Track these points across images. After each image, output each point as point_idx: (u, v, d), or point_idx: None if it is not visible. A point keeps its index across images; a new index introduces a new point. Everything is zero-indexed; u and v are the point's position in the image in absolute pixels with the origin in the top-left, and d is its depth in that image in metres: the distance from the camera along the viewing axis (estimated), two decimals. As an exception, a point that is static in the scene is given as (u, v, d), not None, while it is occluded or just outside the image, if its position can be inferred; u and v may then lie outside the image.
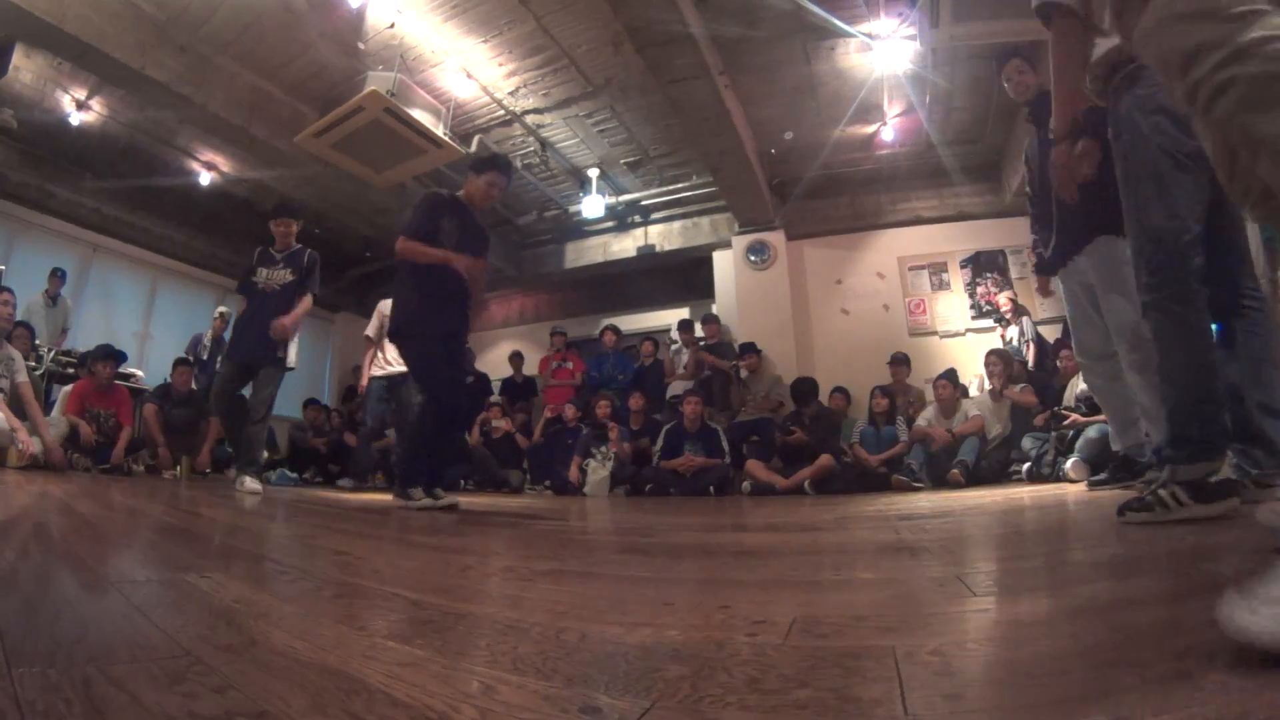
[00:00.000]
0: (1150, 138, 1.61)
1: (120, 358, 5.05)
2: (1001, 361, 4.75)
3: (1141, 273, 1.69)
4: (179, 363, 5.36)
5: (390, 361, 4.82)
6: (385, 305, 4.96)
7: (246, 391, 3.91)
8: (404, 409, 4.84)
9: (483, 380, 7.24)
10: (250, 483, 3.57)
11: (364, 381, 4.97)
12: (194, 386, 5.32)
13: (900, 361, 5.62)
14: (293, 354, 4.09)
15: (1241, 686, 0.46)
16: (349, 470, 5.36)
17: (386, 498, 3.92)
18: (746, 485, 4.90)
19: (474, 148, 5.62)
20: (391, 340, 3.33)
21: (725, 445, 5.07)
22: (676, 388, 6.20)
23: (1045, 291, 3.44)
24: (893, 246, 6.52)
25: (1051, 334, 5.30)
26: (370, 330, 4.94)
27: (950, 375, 4.95)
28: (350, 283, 8.37)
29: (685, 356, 6.38)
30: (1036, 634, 0.65)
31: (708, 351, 6.17)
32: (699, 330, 6.53)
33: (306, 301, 3.95)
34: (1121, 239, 2.14)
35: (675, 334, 6.64)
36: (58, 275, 5.70)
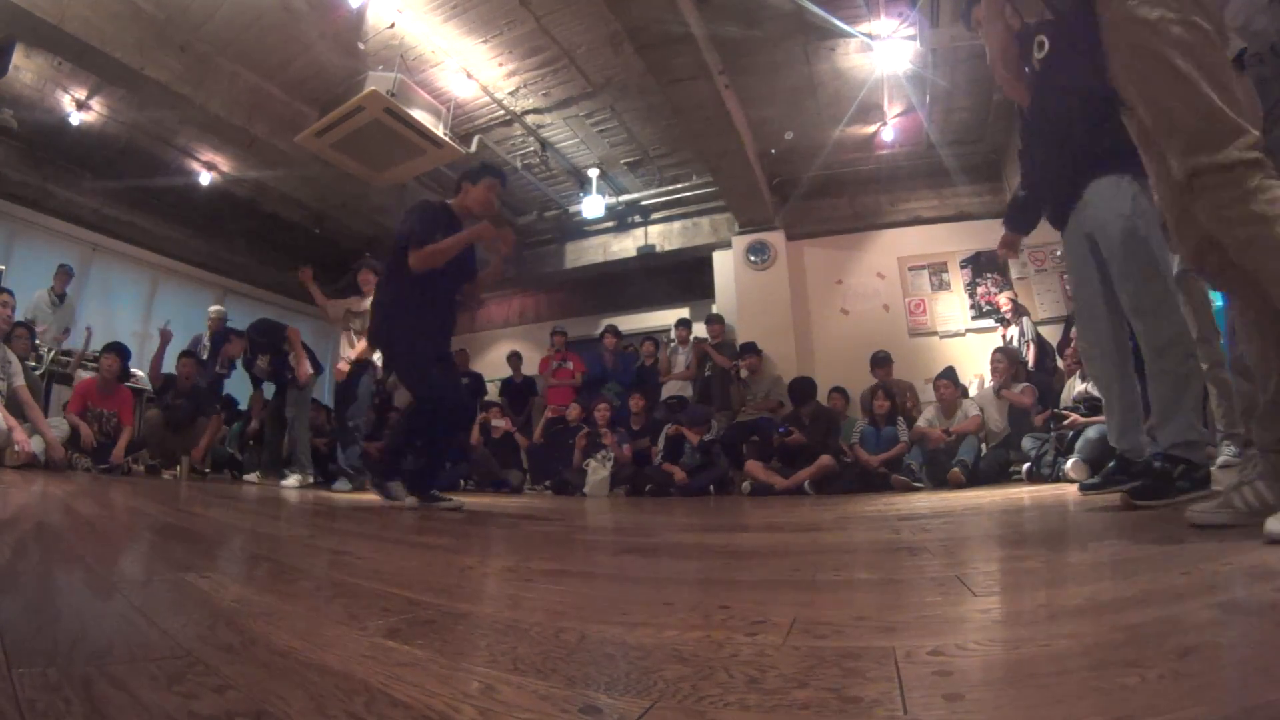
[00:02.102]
0: None
1: (126, 353, 5.05)
2: (1006, 359, 4.74)
3: None
4: (183, 354, 5.40)
5: (345, 359, 4.89)
6: (348, 301, 5.05)
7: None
8: (358, 401, 4.87)
9: (477, 380, 7.25)
10: (291, 478, 4.60)
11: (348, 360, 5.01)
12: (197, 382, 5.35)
13: (881, 362, 5.61)
14: (305, 369, 5.00)
15: (1242, 687, 0.46)
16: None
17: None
18: (746, 485, 4.90)
19: (474, 148, 5.63)
20: (373, 345, 3.50)
21: (714, 427, 5.28)
22: (672, 387, 6.19)
23: (1011, 252, 2.93)
24: (893, 246, 6.52)
25: (1052, 334, 5.30)
26: (332, 308, 5.11)
27: (950, 375, 4.94)
28: (350, 282, 8.37)
29: (682, 355, 6.37)
30: (1036, 634, 0.65)
31: (714, 350, 6.17)
32: (701, 330, 6.53)
33: (295, 341, 5.03)
34: (1125, 177, 1.89)
35: (673, 332, 6.64)
36: (65, 271, 5.64)
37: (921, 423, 4.80)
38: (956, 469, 4.33)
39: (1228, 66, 1.12)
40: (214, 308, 6.41)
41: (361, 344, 4.86)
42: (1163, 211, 1.37)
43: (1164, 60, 1.12)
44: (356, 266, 5.23)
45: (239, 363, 5.22)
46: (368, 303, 4.98)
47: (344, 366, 4.85)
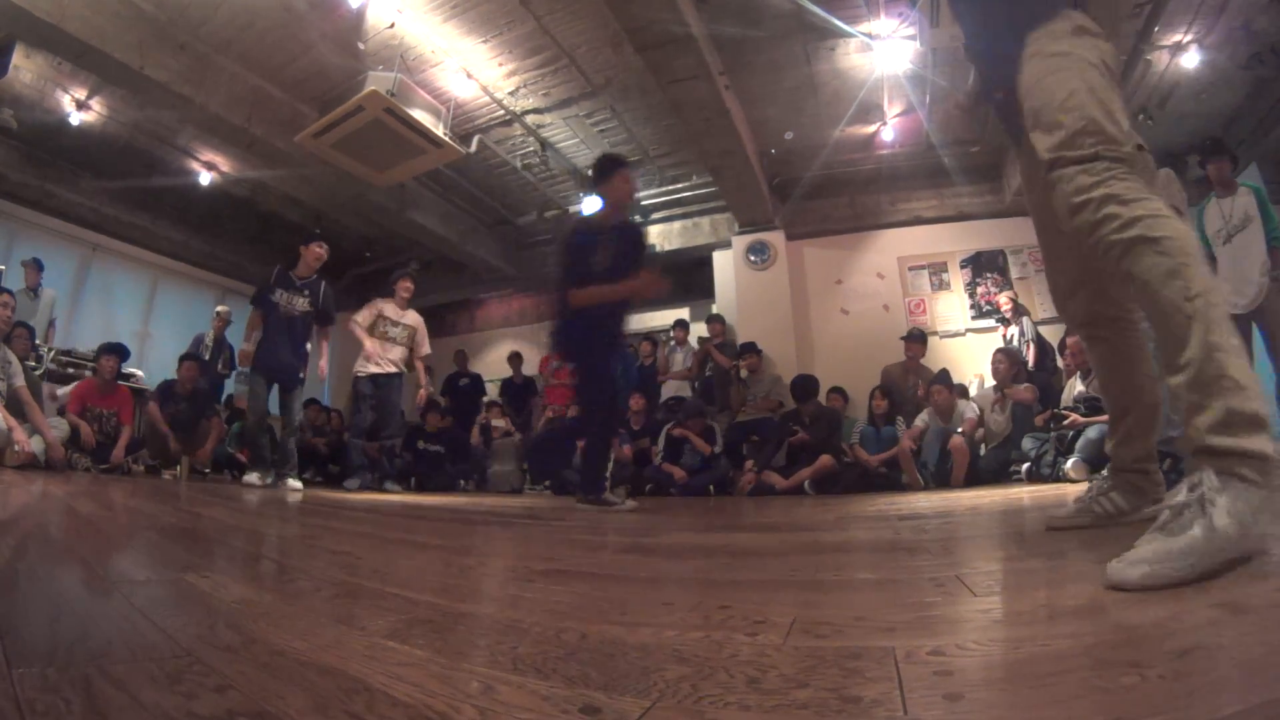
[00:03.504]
0: None
1: (124, 353, 5.05)
2: (1007, 360, 4.72)
3: None
4: (185, 358, 5.37)
5: (379, 361, 4.87)
6: (381, 303, 5.01)
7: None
8: (389, 408, 4.92)
9: (476, 380, 7.26)
10: (293, 483, 4.26)
11: (371, 352, 4.84)
12: (198, 385, 5.34)
13: (916, 339, 5.60)
14: (324, 366, 4.78)
15: (1242, 687, 0.46)
16: (348, 471, 5.34)
17: (384, 497, 3.94)
18: (746, 485, 4.90)
19: (474, 148, 5.63)
20: (562, 356, 3.52)
21: (719, 439, 5.18)
22: (671, 387, 6.19)
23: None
24: (893, 246, 6.52)
25: (1052, 334, 5.30)
26: (362, 319, 4.96)
27: (944, 379, 4.93)
28: (350, 283, 8.38)
29: (680, 355, 6.37)
30: (1036, 634, 0.65)
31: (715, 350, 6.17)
32: (702, 330, 6.52)
33: (328, 334, 4.64)
34: None
35: (671, 332, 6.63)
36: (34, 265, 5.51)
37: (918, 423, 4.79)
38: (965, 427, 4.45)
39: (1118, 101, 1.17)
40: (220, 307, 6.43)
41: (399, 350, 4.95)
42: (1040, 249, 1.50)
43: (1063, 72, 1.18)
44: (397, 274, 5.20)
45: (273, 279, 4.43)
46: (410, 314, 5.09)
47: (373, 369, 4.85)
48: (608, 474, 3.46)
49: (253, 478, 4.11)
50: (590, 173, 3.20)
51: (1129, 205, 1.04)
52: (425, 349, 5.16)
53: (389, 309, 5.01)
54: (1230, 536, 0.78)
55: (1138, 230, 1.01)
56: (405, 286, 5.07)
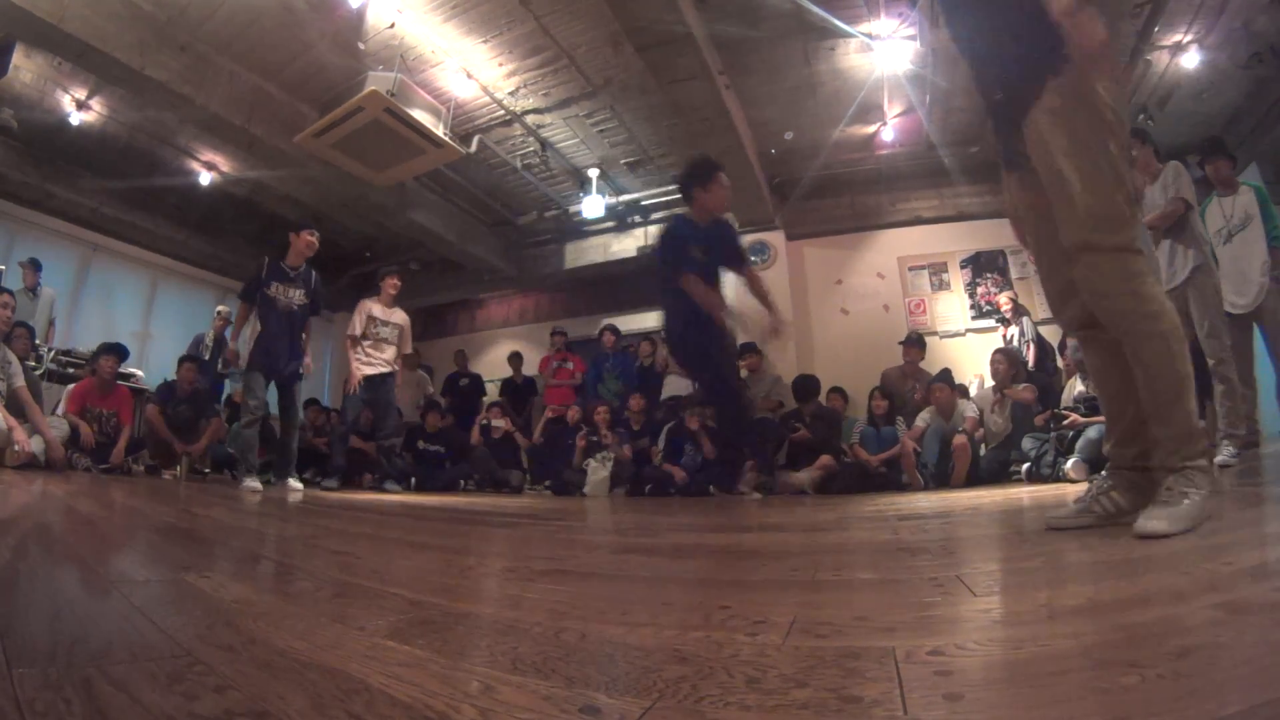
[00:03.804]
0: None
1: (123, 353, 5.04)
2: (1006, 361, 4.71)
3: None
4: (184, 359, 5.36)
5: (371, 360, 4.86)
6: (369, 305, 5.01)
7: None
8: (384, 408, 4.91)
9: (476, 380, 7.25)
10: (293, 483, 4.22)
11: (355, 380, 4.88)
12: (198, 385, 5.33)
13: (914, 343, 5.59)
14: (309, 360, 4.58)
15: (1242, 687, 0.46)
16: (329, 470, 5.30)
17: (384, 497, 3.94)
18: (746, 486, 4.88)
19: (474, 148, 5.63)
20: (674, 357, 3.76)
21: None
22: (672, 385, 6.18)
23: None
24: (893, 246, 6.52)
25: (1052, 334, 5.30)
26: (357, 330, 4.94)
27: (945, 377, 4.92)
28: (350, 282, 8.38)
29: (682, 354, 6.36)
30: (1036, 634, 0.65)
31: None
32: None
33: (309, 326, 4.50)
34: None
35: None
36: (32, 265, 5.48)
37: (919, 423, 4.79)
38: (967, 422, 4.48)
39: (1126, 162, 1.33)
40: (220, 307, 6.43)
41: (391, 350, 4.96)
42: (1034, 258, 1.63)
43: (1095, 143, 1.29)
44: (383, 271, 5.18)
45: (264, 272, 4.31)
46: (397, 312, 5.10)
47: (367, 370, 4.81)
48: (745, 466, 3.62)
49: (254, 484, 3.89)
50: (685, 174, 3.11)
51: (1149, 302, 1.31)
52: (408, 348, 5.21)
53: (376, 309, 5.01)
54: (1205, 500, 1.23)
55: (1150, 326, 1.30)
56: (392, 284, 5.07)
